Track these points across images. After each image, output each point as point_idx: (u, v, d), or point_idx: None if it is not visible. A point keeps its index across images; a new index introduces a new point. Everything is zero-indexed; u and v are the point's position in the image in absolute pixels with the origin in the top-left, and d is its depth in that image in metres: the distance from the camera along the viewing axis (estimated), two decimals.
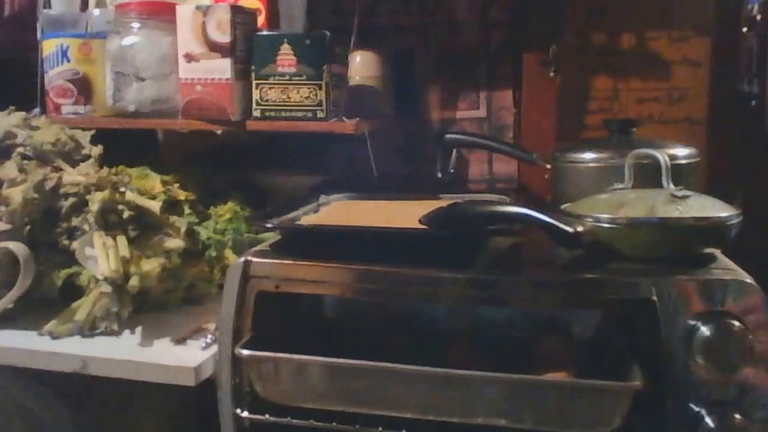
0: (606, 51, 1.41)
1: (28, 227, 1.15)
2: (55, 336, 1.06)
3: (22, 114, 1.30)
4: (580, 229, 0.91)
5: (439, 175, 1.27)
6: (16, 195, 1.13)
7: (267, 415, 0.94)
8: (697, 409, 0.83)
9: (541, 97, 1.43)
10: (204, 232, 1.24)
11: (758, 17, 1.36)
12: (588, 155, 1.12)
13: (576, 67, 1.43)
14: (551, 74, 1.41)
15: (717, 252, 0.93)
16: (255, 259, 0.95)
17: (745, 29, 1.34)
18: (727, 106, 1.36)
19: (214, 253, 1.23)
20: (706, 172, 1.11)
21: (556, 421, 0.86)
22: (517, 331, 1.11)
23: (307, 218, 1.10)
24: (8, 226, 1.13)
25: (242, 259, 0.95)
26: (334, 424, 0.92)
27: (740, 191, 1.23)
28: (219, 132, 1.56)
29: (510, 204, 0.94)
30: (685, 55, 1.38)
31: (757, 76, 1.38)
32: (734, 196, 1.21)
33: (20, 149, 1.22)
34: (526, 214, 0.92)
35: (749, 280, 0.83)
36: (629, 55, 1.41)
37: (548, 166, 1.19)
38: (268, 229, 1.04)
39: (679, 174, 1.00)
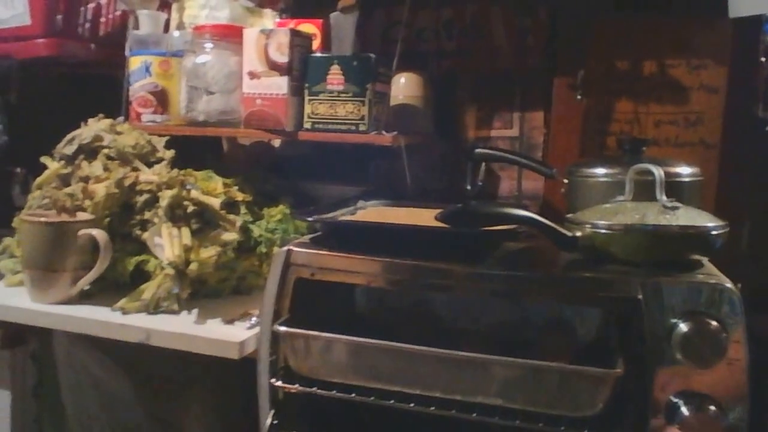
0: (628, 77, 1.44)
1: (108, 218, 1.25)
2: (125, 312, 1.16)
3: (109, 120, 1.41)
4: (578, 233, 0.97)
5: (468, 187, 1.32)
6: (100, 190, 1.25)
7: (297, 385, 1.02)
8: (675, 399, 0.88)
9: (568, 118, 1.47)
10: (256, 230, 1.32)
11: None
12: (599, 170, 1.16)
13: (601, 91, 1.46)
14: (578, 97, 1.46)
15: (704, 260, 0.98)
16: (296, 249, 1.03)
17: (763, 59, 1.36)
18: (742, 130, 1.38)
19: (264, 249, 1.30)
20: (715, 194, 1.12)
21: (545, 402, 0.92)
22: (525, 332, 1.16)
23: (345, 218, 1.18)
24: (92, 216, 1.23)
25: (285, 248, 1.04)
26: (353, 395, 0.99)
27: (749, 214, 1.24)
28: (276, 145, 1.72)
29: (516, 207, 1.02)
30: (703, 81, 1.40)
31: None
32: (742, 217, 1.24)
33: (106, 151, 1.33)
34: (529, 217, 0.98)
35: (729, 285, 0.88)
36: (650, 81, 1.44)
37: (565, 181, 1.23)
38: (308, 222, 1.14)
39: (680, 191, 1.04)
